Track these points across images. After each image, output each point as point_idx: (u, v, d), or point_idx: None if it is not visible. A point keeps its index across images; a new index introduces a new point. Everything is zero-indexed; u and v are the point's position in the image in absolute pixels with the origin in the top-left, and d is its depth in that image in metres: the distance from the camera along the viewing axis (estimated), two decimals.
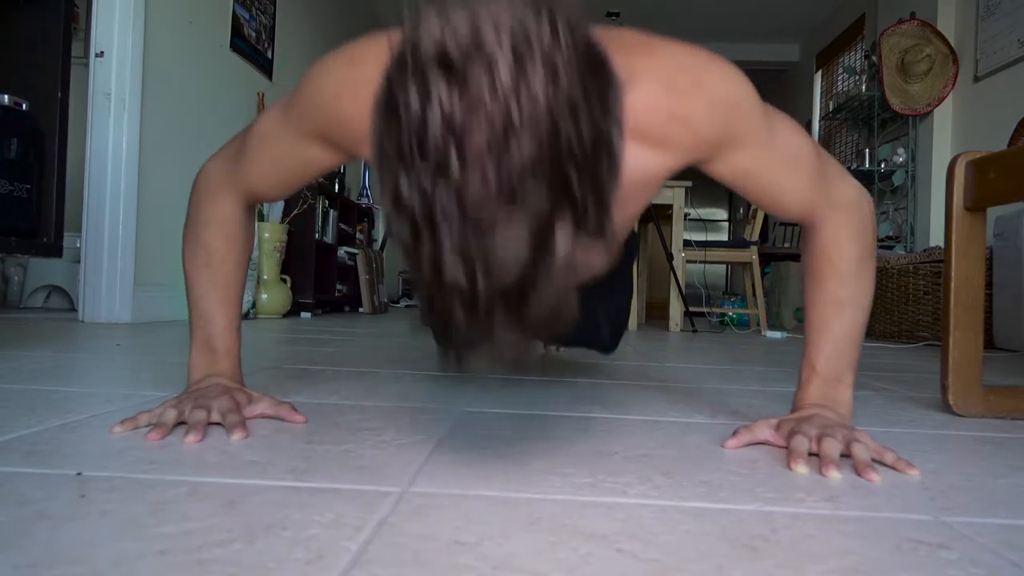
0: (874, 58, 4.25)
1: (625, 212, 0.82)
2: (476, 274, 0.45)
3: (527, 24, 0.45)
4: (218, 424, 0.77)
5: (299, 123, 0.78)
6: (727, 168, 0.78)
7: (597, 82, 0.47)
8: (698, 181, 3.20)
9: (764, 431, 0.79)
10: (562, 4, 0.47)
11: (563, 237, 0.46)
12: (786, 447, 0.75)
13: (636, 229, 1.51)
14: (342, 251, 4.37)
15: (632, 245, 1.39)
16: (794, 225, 5.32)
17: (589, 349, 1.54)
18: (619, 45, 0.67)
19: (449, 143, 0.43)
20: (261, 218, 3.45)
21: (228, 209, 0.89)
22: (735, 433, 0.80)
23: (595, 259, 0.49)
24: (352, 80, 0.71)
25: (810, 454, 0.72)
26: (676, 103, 0.69)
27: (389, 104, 0.46)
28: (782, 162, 0.79)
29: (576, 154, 0.45)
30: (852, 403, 0.82)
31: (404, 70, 0.45)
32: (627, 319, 1.51)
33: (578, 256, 0.47)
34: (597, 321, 1.42)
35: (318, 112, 0.75)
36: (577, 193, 0.45)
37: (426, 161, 0.44)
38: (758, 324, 3.89)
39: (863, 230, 0.84)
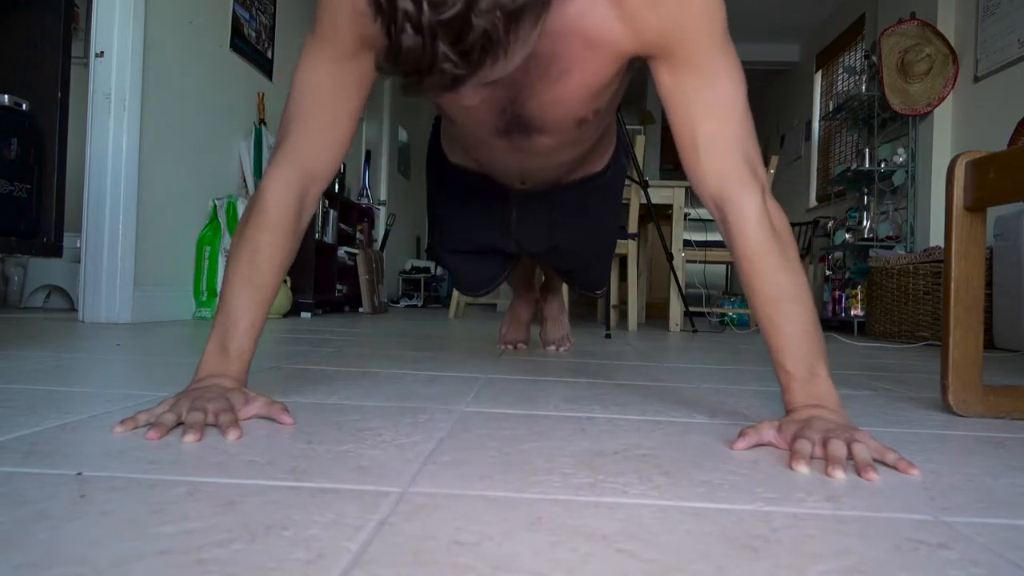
0: (874, 58, 4.25)
1: (582, 79, 0.89)
2: (422, 5, 0.56)
3: None
4: (214, 426, 0.77)
5: (330, 41, 0.84)
6: (670, 78, 0.84)
7: None
8: None
9: (769, 433, 0.79)
10: None
11: None
12: (789, 449, 0.75)
13: (626, 135, 1.61)
14: (342, 251, 4.37)
15: (620, 164, 1.46)
16: (794, 225, 5.32)
17: (581, 285, 1.72)
18: None
19: None
20: None
21: (280, 199, 0.89)
22: (742, 435, 0.79)
23: None
24: None
25: (813, 457, 0.72)
26: None
27: None
28: (719, 102, 0.84)
29: None
30: (836, 392, 0.82)
31: None
32: (614, 247, 1.66)
33: None
34: (587, 253, 1.57)
35: (343, 14, 0.81)
36: None
37: None
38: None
39: (780, 216, 0.85)
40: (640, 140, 3.52)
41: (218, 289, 2.91)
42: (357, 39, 0.84)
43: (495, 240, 1.54)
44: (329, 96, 0.87)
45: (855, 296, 4.10)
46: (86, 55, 2.66)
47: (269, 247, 0.88)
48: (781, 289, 0.83)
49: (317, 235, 3.85)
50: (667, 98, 0.86)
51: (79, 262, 2.63)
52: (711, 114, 0.84)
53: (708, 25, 0.82)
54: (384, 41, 0.59)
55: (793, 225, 5.60)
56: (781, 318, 0.83)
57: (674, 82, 0.85)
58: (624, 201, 3.10)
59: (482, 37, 0.58)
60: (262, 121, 3.61)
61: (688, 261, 3.75)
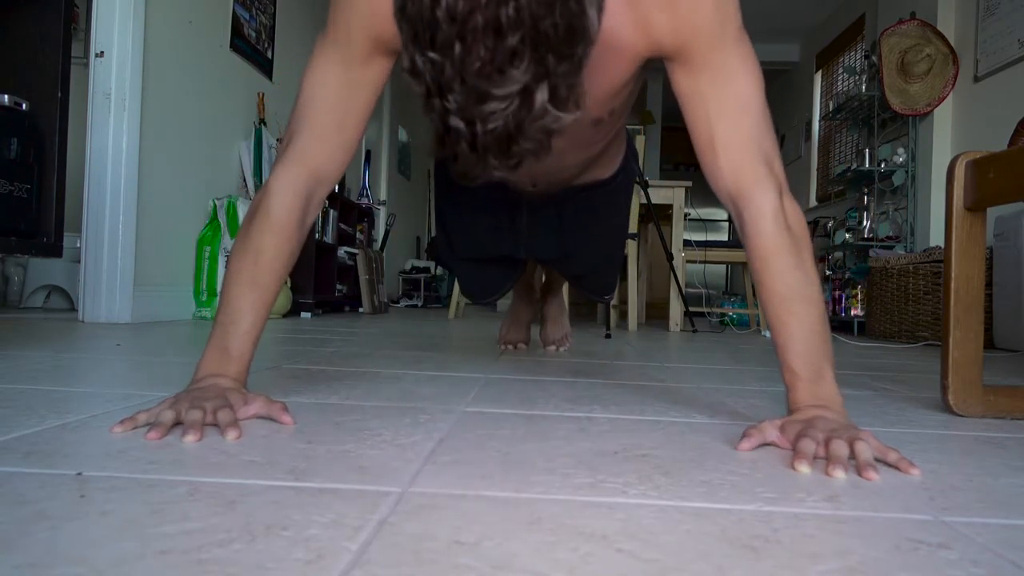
0: (874, 58, 4.25)
1: (599, 81, 0.90)
2: (475, 127, 0.61)
3: None
4: (214, 425, 0.77)
5: (342, 43, 0.85)
6: (686, 79, 0.85)
7: None
8: (698, 181, 3.20)
9: (772, 432, 0.79)
10: None
11: (540, 100, 0.60)
12: (791, 448, 0.75)
13: (633, 144, 1.59)
14: (342, 251, 4.37)
15: (630, 169, 1.46)
16: None
17: (590, 290, 1.73)
18: None
19: (453, 36, 0.57)
20: None
21: (285, 201, 0.89)
22: (746, 435, 0.79)
23: (567, 118, 0.64)
24: None
25: (816, 457, 0.72)
26: None
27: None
28: (735, 100, 0.84)
29: (553, 42, 0.58)
30: (840, 395, 0.82)
31: None
32: (623, 252, 1.67)
33: (552, 113, 0.62)
34: (596, 257, 1.58)
35: (356, 15, 0.82)
36: (553, 71, 0.60)
37: (434, 46, 0.58)
38: (758, 324, 3.89)
39: (796, 214, 0.85)
40: (640, 140, 3.52)
41: (218, 289, 2.91)
42: (370, 43, 0.84)
43: (505, 247, 1.52)
44: (338, 99, 0.87)
45: (855, 296, 4.10)
46: (86, 55, 2.66)
47: (272, 249, 0.88)
48: (792, 288, 0.83)
49: (317, 235, 3.85)
50: (683, 98, 0.86)
51: (79, 262, 2.63)
52: (727, 112, 0.84)
53: (722, 24, 0.82)
54: (437, 142, 0.65)
55: None
56: (791, 318, 0.82)
57: (689, 82, 0.85)
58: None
59: (528, 152, 0.64)
60: (262, 121, 3.61)
61: (688, 261, 3.75)
